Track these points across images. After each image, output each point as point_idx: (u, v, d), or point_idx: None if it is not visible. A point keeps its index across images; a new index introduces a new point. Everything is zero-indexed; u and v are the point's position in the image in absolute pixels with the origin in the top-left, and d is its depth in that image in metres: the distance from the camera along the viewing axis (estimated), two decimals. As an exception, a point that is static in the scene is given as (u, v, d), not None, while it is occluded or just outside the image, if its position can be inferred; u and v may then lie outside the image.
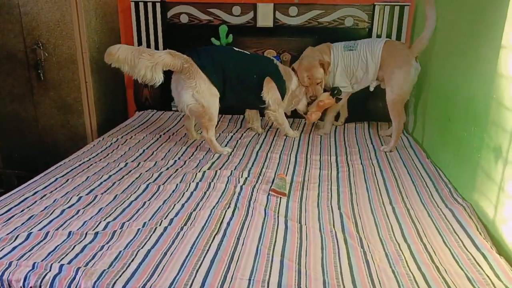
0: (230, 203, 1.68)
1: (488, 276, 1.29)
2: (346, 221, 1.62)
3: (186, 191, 1.79)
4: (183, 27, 3.06)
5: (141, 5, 3.01)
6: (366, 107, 2.95)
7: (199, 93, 2.19)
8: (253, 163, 2.15)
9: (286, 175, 2.00)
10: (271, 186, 1.84)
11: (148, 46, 3.08)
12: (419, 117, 2.67)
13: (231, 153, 2.30)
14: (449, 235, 1.53)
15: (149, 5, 3.00)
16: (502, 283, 1.26)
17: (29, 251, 1.34)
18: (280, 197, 1.77)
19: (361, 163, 2.20)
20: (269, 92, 2.43)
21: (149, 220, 1.56)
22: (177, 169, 2.04)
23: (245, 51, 2.46)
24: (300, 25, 2.97)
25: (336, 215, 1.66)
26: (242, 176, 1.96)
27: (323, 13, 2.93)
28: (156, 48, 3.08)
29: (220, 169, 2.04)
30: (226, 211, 1.61)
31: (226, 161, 2.17)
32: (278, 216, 1.62)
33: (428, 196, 1.84)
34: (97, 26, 2.90)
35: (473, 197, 1.76)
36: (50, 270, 1.24)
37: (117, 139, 2.42)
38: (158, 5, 3.00)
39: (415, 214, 1.69)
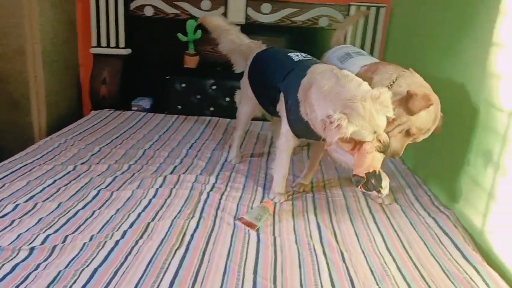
0: (194, 212, 1.49)
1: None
2: (324, 231, 1.48)
3: (144, 198, 1.58)
4: (147, 21, 2.87)
5: (101, -6, 2.78)
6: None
7: None
8: (221, 168, 1.97)
9: (272, 203, 1.65)
10: (247, 211, 1.57)
11: (108, 39, 2.84)
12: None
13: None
14: (436, 246, 1.43)
15: (110, -5, 2.78)
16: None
17: None
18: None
19: (336, 169, 2.06)
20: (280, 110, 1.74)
21: (98, 232, 1.34)
22: (133, 174, 1.82)
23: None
24: (273, 23, 2.86)
25: (313, 225, 1.52)
26: (208, 182, 1.77)
27: (297, 11, 2.83)
28: (117, 43, 2.85)
29: (183, 173, 1.84)
30: (189, 222, 1.42)
31: (191, 164, 1.97)
32: (249, 227, 1.45)
33: (408, 204, 1.74)
34: (51, 16, 2.64)
35: (457, 205, 1.66)
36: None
37: (66, 139, 2.16)
38: (120, -4, 2.79)
39: (397, 223, 1.58)
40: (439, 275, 1.26)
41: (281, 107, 1.69)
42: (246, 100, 2.02)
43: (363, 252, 1.38)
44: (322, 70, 1.54)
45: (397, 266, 1.30)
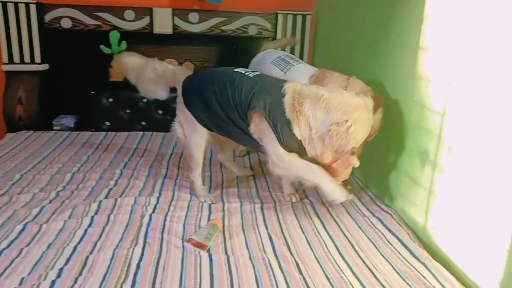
0: (137, 239, 1.37)
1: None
2: (277, 242, 1.44)
3: (78, 228, 1.43)
4: (66, 33, 2.69)
5: (10, 6, 2.54)
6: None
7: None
8: (162, 186, 1.85)
9: (220, 220, 1.57)
10: (195, 231, 1.48)
11: (21, 55, 2.60)
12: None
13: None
14: (385, 247, 1.46)
15: (21, 7, 2.55)
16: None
17: None
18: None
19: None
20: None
21: (29, 274, 1.17)
22: (63, 202, 1.65)
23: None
24: (202, 32, 2.81)
25: (265, 238, 1.47)
26: (149, 203, 1.66)
27: (226, 20, 2.81)
28: (32, 58, 2.62)
29: (120, 196, 1.70)
30: (133, 250, 1.30)
31: (127, 185, 1.83)
32: (199, 248, 1.37)
33: (352, 206, 1.77)
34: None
35: (397, 203, 1.72)
36: None
37: (-20, 169, 1.91)
38: (32, 7, 2.57)
39: (344, 225, 1.60)
40: (392, 276, 1.28)
41: (259, 128, 1.56)
42: (194, 130, 1.73)
43: (317, 260, 1.36)
44: (301, 86, 1.53)
45: (352, 271, 1.30)
